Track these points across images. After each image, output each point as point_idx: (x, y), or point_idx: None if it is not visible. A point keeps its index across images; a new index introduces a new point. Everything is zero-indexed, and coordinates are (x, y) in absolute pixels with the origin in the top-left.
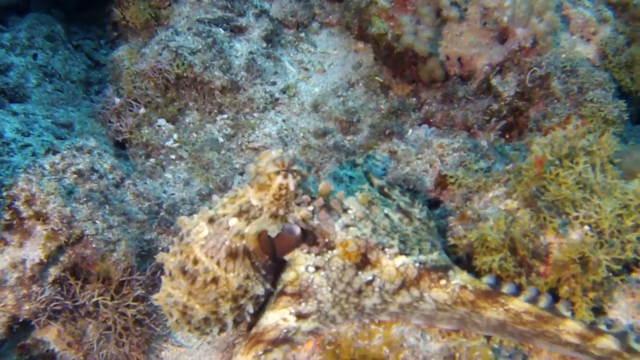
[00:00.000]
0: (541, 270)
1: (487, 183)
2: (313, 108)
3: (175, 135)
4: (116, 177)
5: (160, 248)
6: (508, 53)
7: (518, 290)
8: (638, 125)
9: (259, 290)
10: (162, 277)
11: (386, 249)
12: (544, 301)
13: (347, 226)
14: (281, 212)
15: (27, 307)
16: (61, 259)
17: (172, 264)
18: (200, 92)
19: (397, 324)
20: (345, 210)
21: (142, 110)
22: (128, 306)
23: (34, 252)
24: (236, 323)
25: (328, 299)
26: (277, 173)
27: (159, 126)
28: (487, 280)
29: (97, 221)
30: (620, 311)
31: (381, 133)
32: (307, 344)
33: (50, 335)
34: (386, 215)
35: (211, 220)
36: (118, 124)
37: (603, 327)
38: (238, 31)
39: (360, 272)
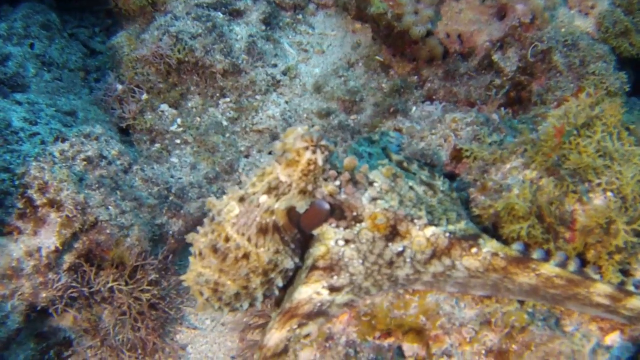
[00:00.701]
0: (567, 236)
1: (502, 155)
2: (315, 89)
3: (178, 120)
4: (124, 162)
5: (171, 232)
6: (508, 29)
7: (547, 256)
8: (632, 97)
9: (289, 264)
10: (191, 258)
11: (415, 220)
12: (572, 265)
13: (374, 199)
14: (309, 187)
15: (44, 294)
16: (75, 245)
17: (203, 244)
18: (202, 76)
19: (431, 293)
20: (371, 184)
21: (145, 96)
22: (142, 291)
23: (49, 239)
24: (265, 297)
25: (360, 271)
26: (306, 148)
27: (162, 111)
28: (516, 246)
29: (110, 207)
30: None
31: (385, 111)
32: (342, 316)
33: (66, 322)
34: (411, 188)
35: (242, 199)
36: (121, 110)
37: (631, 288)
38: (236, 15)
39: (390, 244)
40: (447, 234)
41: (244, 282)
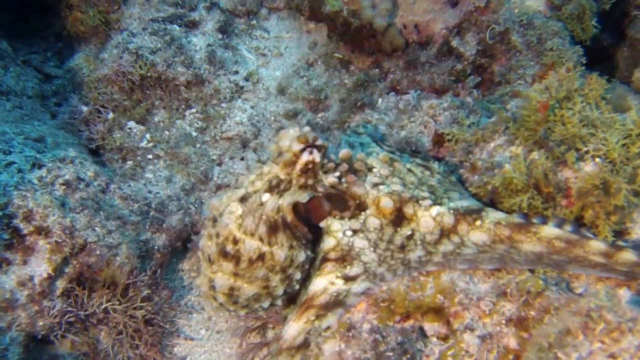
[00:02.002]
0: (564, 203)
1: (484, 135)
2: (279, 91)
3: (147, 136)
4: (101, 183)
5: (156, 247)
6: (463, 15)
7: (545, 220)
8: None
9: (303, 256)
10: (202, 263)
11: (420, 202)
12: (569, 226)
13: (376, 185)
14: (310, 182)
15: (41, 323)
16: (67, 270)
17: (210, 249)
18: (166, 90)
19: (444, 272)
20: (370, 170)
21: (111, 115)
22: (136, 308)
23: (40, 267)
24: (286, 293)
25: (373, 259)
26: (303, 150)
27: (130, 129)
28: (517, 216)
29: (97, 228)
30: None
31: (352, 106)
32: (359, 305)
33: (64, 348)
34: (409, 170)
35: (243, 199)
36: (89, 132)
37: (621, 243)
38: (192, 26)
39: (398, 228)
40: (452, 212)
41: (263, 283)
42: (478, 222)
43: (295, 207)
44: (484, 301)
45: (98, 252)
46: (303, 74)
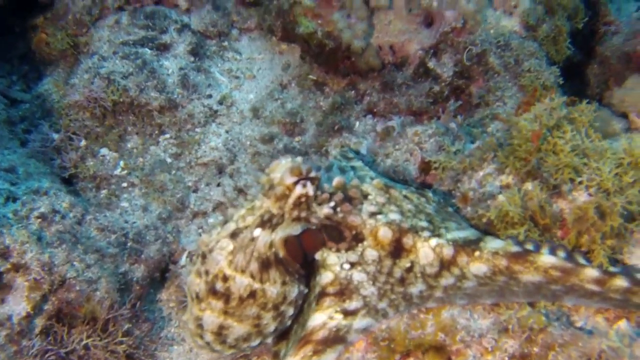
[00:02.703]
0: (559, 234)
1: (472, 163)
2: (253, 115)
3: (121, 163)
4: (77, 214)
5: (135, 279)
6: (439, 35)
7: (538, 246)
8: None
9: (297, 292)
10: (189, 301)
11: (419, 232)
12: (562, 251)
13: (373, 214)
14: (303, 214)
15: None
16: (46, 307)
17: (199, 286)
18: (139, 116)
19: (445, 309)
20: (365, 197)
21: (83, 142)
22: (117, 343)
23: (18, 305)
24: (277, 330)
25: (372, 292)
26: (296, 183)
27: (103, 156)
28: (510, 240)
29: (75, 262)
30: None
31: (330, 129)
32: (358, 344)
33: None
34: (405, 197)
35: (233, 235)
36: (61, 160)
37: (612, 269)
38: (164, 49)
39: (397, 260)
40: (450, 243)
41: (254, 321)
42: (477, 253)
43: (288, 241)
44: (485, 338)
45: (78, 288)
46: (277, 96)
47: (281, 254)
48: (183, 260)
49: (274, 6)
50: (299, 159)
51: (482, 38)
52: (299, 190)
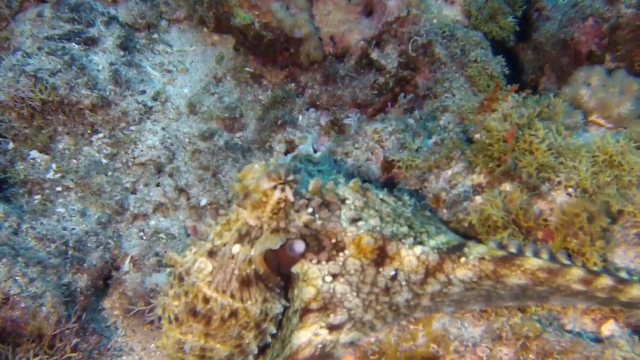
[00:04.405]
0: (540, 236)
1: (438, 161)
2: (190, 111)
3: (53, 166)
4: (12, 224)
5: (79, 289)
6: (382, 26)
7: (521, 249)
8: None
9: (279, 308)
10: (164, 323)
11: (403, 240)
12: (545, 253)
13: (354, 221)
14: (282, 224)
15: None
16: None
17: (178, 308)
18: (69, 115)
19: (435, 319)
20: (343, 202)
21: (11, 145)
22: (66, 359)
23: None
24: (259, 349)
25: (357, 304)
26: (274, 188)
27: (33, 159)
28: (492, 244)
29: (18, 278)
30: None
31: (273, 124)
32: (346, 358)
33: None
34: (383, 201)
35: (211, 254)
36: None
37: (596, 269)
38: (92, 43)
39: (381, 269)
40: (435, 251)
41: (236, 342)
42: (463, 260)
43: (267, 255)
44: (480, 347)
45: (23, 305)
46: (213, 90)
47: (262, 270)
48: (126, 266)
49: None
50: (273, 160)
51: (427, 28)
52: (277, 195)
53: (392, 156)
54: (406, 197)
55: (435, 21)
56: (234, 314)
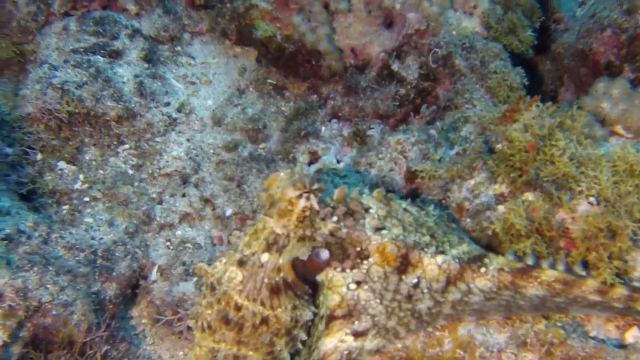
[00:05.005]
0: (563, 245)
1: (460, 171)
2: (214, 122)
3: (81, 176)
4: (42, 233)
5: (107, 297)
6: (402, 38)
7: (538, 261)
8: None
9: (308, 315)
10: (197, 334)
11: (425, 249)
12: (561, 265)
13: (377, 229)
14: (308, 232)
15: None
16: (21, 334)
17: (211, 316)
18: (95, 126)
19: (461, 325)
20: (366, 210)
21: (39, 156)
22: None
23: None
24: (291, 355)
25: (380, 311)
26: (299, 197)
27: (61, 169)
28: (510, 256)
29: (49, 285)
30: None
31: (296, 135)
32: None
33: None
34: (405, 210)
35: (241, 263)
36: (17, 175)
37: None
38: (116, 55)
39: (403, 277)
40: (457, 260)
41: (268, 349)
42: (482, 270)
43: (294, 263)
44: (505, 353)
45: (54, 312)
46: (237, 102)
47: (289, 278)
48: (153, 275)
49: (228, 9)
50: (298, 169)
51: (446, 40)
52: (302, 204)
53: (415, 166)
54: (430, 207)
55: (454, 33)
56: (264, 321)
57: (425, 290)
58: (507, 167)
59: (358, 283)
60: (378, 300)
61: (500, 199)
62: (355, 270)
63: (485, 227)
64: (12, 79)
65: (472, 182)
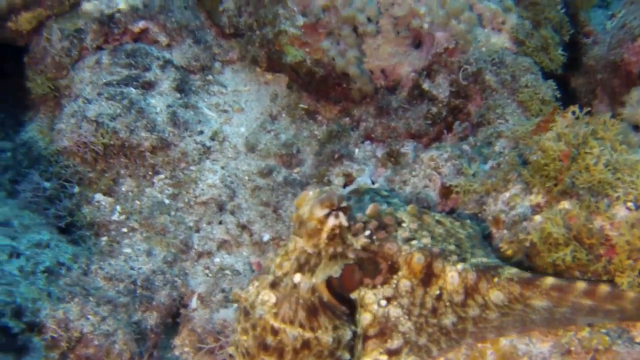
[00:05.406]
0: (602, 252)
1: (495, 184)
2: (248, 149)
3: (118, 208)
4: (81, 265)
5: (148, 327)
6: (431, 57)
7: None
8: None
9: (349, 335)
10: (238, 359)
11: (448, 257)
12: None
13: (407, 240)
14: (339, 249)
15: None
16: None
17: (247, 343)
18: (130, 157)
19: (502, 337)
20: (399, 224)
21: (77, 189)
22: None
23: None
24: None
25: (410, 327)
26: (327, 215)
27: (98, 202)
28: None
29: (90, 316)
30: None
31: (330, 158)
32: None
33: None
34: (438, 222)
35: (273, 285)
36: (55, 209)
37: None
38: (148, 87)
39: (428, 289)
40: (474, 268)
41: None
42: (495, 279)
43: (329, 282)
44: None
45: (96, 342)
46: (269, 128)
47: (325, 297)
48: (193, 303)
49: (257, 36)
50: (327, 188)
51: (476, 57)
52: (331, 222)
53: (449, 182)
54: (467, 220)
55: (483, 49)
56: (305, 344)
57: (448, 304)
58: (542, 177)
59: (388, 299)
60: (407, 316)
61: (536, 209)
62: (385, 286)
63: (523, 239)
64: (48, 114)
65: (507, 194)
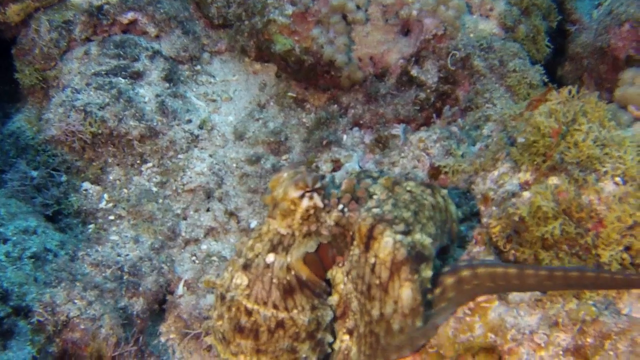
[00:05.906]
0: (590, 226)
1: (484, 164)
2: (236, 137)
3: (105, 196)
4: (69, 251)
5: (135, 313)
6: (420, 43)
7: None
8: None
9: (330, 315)
10: (217, 347)
11: (394, 225)
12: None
13: (369, 209)
14: (313, 227)
15: None
16: (50, 350)
17: (223, 327)
18: (119, 146)
19: (491, 308)
20: (371, 196)
21: (64, 178)
22: None
23: (21, 350)
24: None
25: (355, 307)
26: (302, 196)
27: (86, 190)
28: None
29: (77, 300)
30: None
31: (318, 145)
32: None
33: None
34: (409, 191)
35: (245, 267)
36: (42, 198)
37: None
38: (137, 77)
39: (367, 255)
40: (409, 246)
41: (291, 356)
42: (415, 276)
43: (308, 260)
44: (537, 334)
45: (82, 327)
46: (258, 116)
47: (304, 275)
48: (180, 289)
49: (246, 26)
50: (302, 168)
51: (464, 42)
52: (305, 203)
53: (438, 162)
54: (444, 190)
55: (471, 35)
56: (279, 324)
57: (377, 282)
58: (531, 154)
59: (347, 274)
60: (354, 292)
61: (525, 186)
62: (347, 261)
63: (512, 213)
64: (36, 105)
65: (496, 173)
